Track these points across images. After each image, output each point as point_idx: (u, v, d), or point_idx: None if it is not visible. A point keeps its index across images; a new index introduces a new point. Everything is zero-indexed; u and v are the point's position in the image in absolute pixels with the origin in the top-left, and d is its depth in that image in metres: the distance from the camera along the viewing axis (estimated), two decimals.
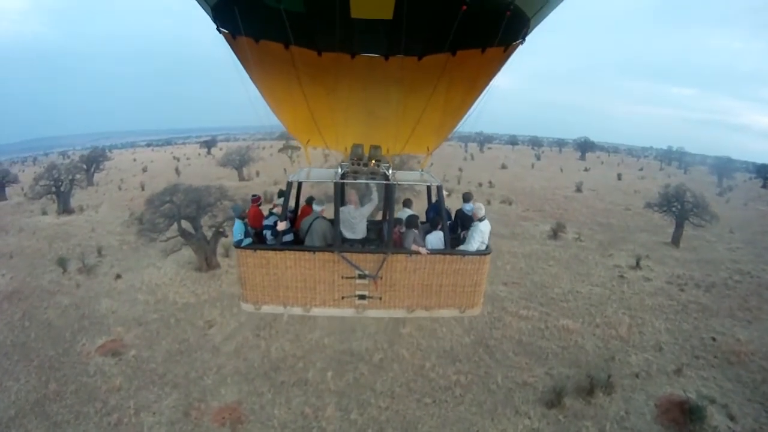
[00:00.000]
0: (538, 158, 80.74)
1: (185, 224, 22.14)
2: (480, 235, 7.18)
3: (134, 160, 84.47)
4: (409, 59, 6.56)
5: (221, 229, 22.43)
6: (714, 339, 16.50)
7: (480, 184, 46.24)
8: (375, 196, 7.86)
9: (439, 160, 65.18)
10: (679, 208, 27.37)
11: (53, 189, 36.70)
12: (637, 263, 23.29)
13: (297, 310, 7.29)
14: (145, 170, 63.47)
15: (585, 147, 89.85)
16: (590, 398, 13.14)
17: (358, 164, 7.29)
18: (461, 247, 7.27)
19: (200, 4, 6.18)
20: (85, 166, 51.80)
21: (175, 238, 21.66)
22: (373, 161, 7.33)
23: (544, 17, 6.36)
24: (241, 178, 48.43)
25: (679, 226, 27.63)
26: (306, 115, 7.45)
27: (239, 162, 48.67)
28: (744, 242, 29.41)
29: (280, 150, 62.01)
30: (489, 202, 37.31)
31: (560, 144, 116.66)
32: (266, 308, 7.33)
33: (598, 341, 16.27)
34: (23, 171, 74.71)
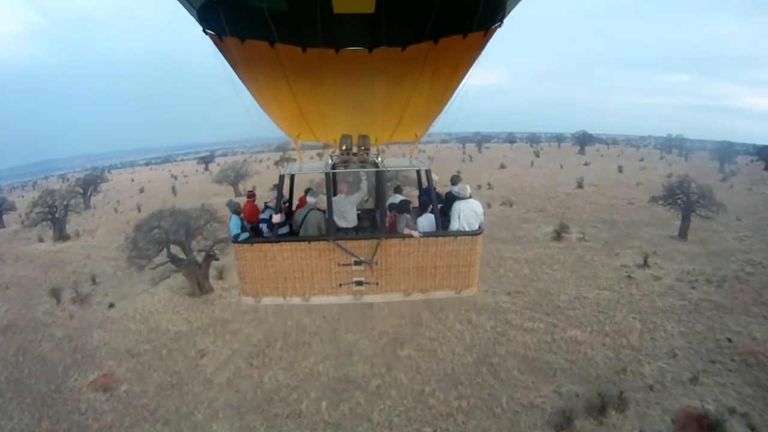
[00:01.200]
0: (537, 155, 79.36)
1: (175, 249, 21.54)
2: (458, 213, 7.33)
3: (132, 180, 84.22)
4: (392, 50, 6.76)
5: (212, 252, 21.75)
6: (730, 340, 15.64)
7: (479, 186, 45.18)
8: (363, 185, 8.11)
9: (437, 162, 64.57)
10: (685, 200, 26.48)
11: (48, 216, 36.32)
12: (645, 261, 22.38)
13: (296, 300, 7.44)
14: (142, 191, 63.07)
15: (584, 141, 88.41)
16: (602, 417, 12.28)
17: (348, 154, 7.48)
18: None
19: (185, 7, 6.31)
20: (81, 190, 51.52)
21: (165, 264, 21.02)
22: (363, 150, 7.50)
23: (520, 0, 6.50)
24: (237, 194, 47.83)
25: (685, 219, 26.73)
26: (294, 110, 7.66)
27: (234, 178, 48.02)
28: (752, 230, 28.46)
29: (276, 163, 61.50)
30: (489, 205, 36.33)
31: (559, 139, 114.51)
32: (266, 300, 7.46)
33: (608, 352, 15.39)
34: (22, 197, 74.54)
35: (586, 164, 64.45)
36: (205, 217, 22.69)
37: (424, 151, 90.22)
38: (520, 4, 6.57)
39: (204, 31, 6.48)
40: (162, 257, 21.08)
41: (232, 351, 17.02)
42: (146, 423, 13.72)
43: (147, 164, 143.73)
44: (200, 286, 21.78)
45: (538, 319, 17.53)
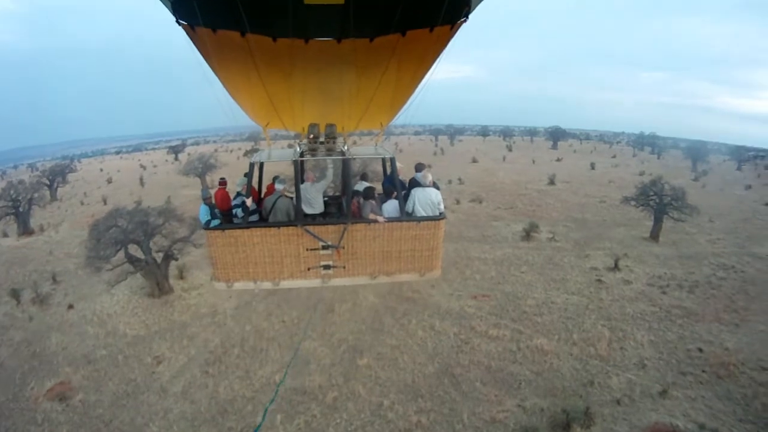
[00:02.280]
0: (510, 149, 79.33)
1: (134, 248, 20.73)
2: (414, 200, 7.59)
3: (101, 170, 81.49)
4: (360, 41, 6.98)
5: (170, 252, 20.95)
6: (701, 350, 15.56)
7: (450, 181, 44.72)
8: (329, 172, 8.32)
9: (409, 156, 63.88)
10: (658, 202, 26.46)
11: (12, 210, 34.88)
12: (616, 264, 22.23)
13: (267, 285, 7.59)
14: (110, 181, 61.03)
15: (557, 136, 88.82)
16: None
17: (315, 142, 7.70)
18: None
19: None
20: (48, 182, 49.73)
21: (123, 266, 20.15)
22: (330, 138, 7.68)
23: None
24: (205, 186, 46.62)
25: (657, 221, 26.74)
26: (264, 100, 7.76)
27: (202, 170, 46.71)
28: (725, 232, 28.68)
29: (245, 153, 60.17)
30: (458, 202, 35.97)
31: (532, 133, 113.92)
32: (237, 285, 7.58)
33: (575, 362, 15.09)
34: None
35: (558, 160, 64.55)
36: (165, 216, 21.82)
37: (397, 144, 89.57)
38: (485, 1, 6.69)
39: (177, 21, 6.52)
40: (120, 257, 20.24)
41: (188, 358, 16.45)
42: None
43: (118, 153, 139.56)
44: (159, 287, 21.02)
45: (503, 326, 17.14)
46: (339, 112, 8.01)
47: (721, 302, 18.81)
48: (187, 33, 6.66)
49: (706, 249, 25.55)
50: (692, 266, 22.73)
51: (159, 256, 21.10)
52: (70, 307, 21.02)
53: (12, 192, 35.70)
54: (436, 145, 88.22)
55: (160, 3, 6.36)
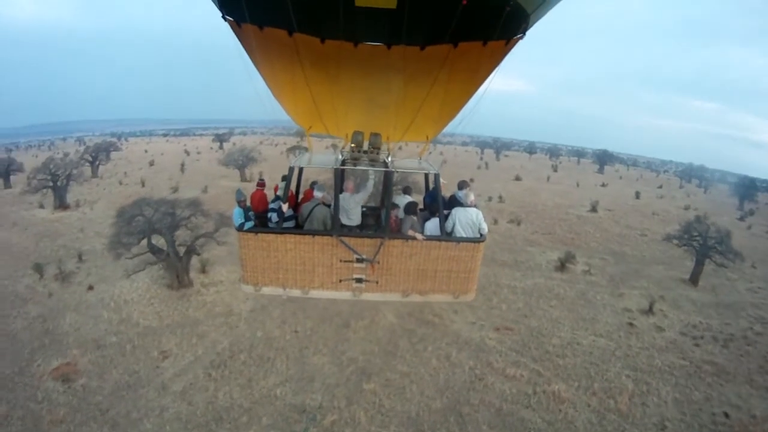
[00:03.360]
0: (555, 170, 77.17)
1: (157, 239, 20.71)
2: (454, 220, 7.33)
3: (145, 151, 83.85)
4: (411, 49, 6.67)
5: (193, 247, 20.81)
6: (727, 415, 14.16)
7: (490, 198, 43.48)
8: (370, 183, 7.93)
9: (453, 167, 62.96)
10: (701, 243, 24.67)
11: (50, 184, 35.96)
12: (650, 308, 20.69)
13: (296, 292, 7.46)
14: (152, 164, 62.56)
15: (603, 159, 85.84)
16: None
17: (358, 151, 7.54)
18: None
19: None
20: (90, 158, 51.22)
21: (144, 255, 20.14)
22: (373, 148, 7.54)
23: (544, 13, 6.43)
24: (243, 179, 47.00)
25: (699, 263, 24.92)
26: (308, 102, 7.61)
27: (242, 162, 47.13)
28: (767, 281, 26.54)
29: (289, 149, 60.38)
30: (496, 222, 34.67)
31: (579, 154, 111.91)
32: (266, 290, 7.48)
33: (591, 415, 13.87)
34: (36, 156, 74.83)
35: (603, 185, 62.21)
36: (192, 208, 21.71)
37: (442, 153, 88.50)
38: (546, 17, 6.55)
39: (223, 17, 6.38)
40: (143, 246, 20.23)
41: (194, 357, 16.19)
42: (95, 423, 13.27)
43: (165, 135, 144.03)
44: (179, 280, 20.96)
45: (522, 365, 15.98)
46: (384, 121, 7.79)
47: (755, 361, 17.21)
48: (233, 29, 6.55)
49: (746, 298, 23.69)
50: (729, 317, 21.02)
51: (182, 249, 20.98)
52: (90, 288, 21.27)
53: (51, 166, 36.72)
54: (481, 159, 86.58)
55: None
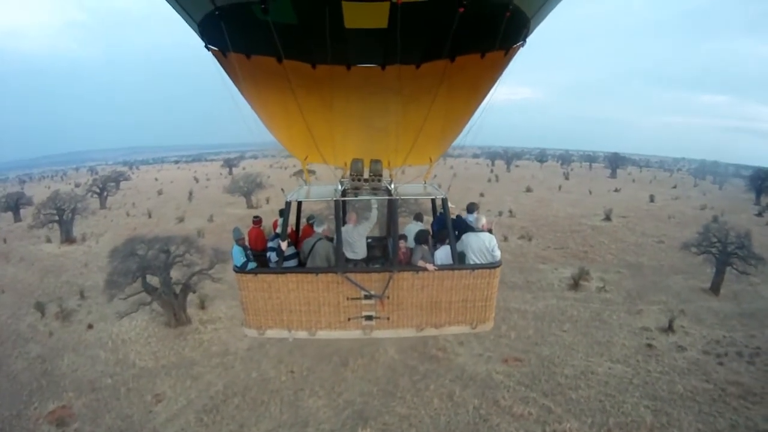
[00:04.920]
0: (567, 177, 75.90)
1: (152, 278, 20.33)
2: (467, 247, 7.04)
3: (156, 179, 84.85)
4: (406, 68, 6.43)
5: (188, 284, 20.31)
6: None
7: (500, 213, 42.38)
8: (373, 213, 7.44)
9: (462, 181, 62.14)
10: (721, 250, 23.39)
11: (56, 218, 36.16)
12: (670, 325, 19.39)
13: (302, 334, 7.13)
14: (160, 193, 63.11)
15: (615, 162, 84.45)
16: None
17: (359, 180, 7.25)
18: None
19: (187, 22, 5.96)
20: (98, 189, 51.64)
21: (139, 295, 19.72)
22: (375, 176, 7.21)
23: (544, 17, 6.24)
24: (249, 206, 46.80)
25: (719, 272, 23.59)
26: (303, 131, 7.26)
27: (247, 189, 46.91)
28: None
29: (293, 175, 60.20)
30: (506, 239, 33.57)
31: (590, 159, 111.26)
32: (270, 333, 7.15)
33: None
34: (48, 188, 75.99)
35: (616, 190, 60.85)
36: (186, 245, 21.31)
37: (452, 167, 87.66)
38: (547, 22, 6.36)
39: (206, 46, 6.14)
40: (137, 286, 19.88)
41: (187, 401, 15.59)
42: None
43: (176, 162, 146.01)
44: (176, 317, 20.47)
45: (531, 401, 14.76)
46: (384, 146, 7.39)
47: None
48: (218, 59, 6.28)
49: None
50: (754, 327, 19.68)
51: (178, 287, 20.57)
52: (90, 327, 21.01)
53: (57, 201, 36.94)
54: (492, 171, 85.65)
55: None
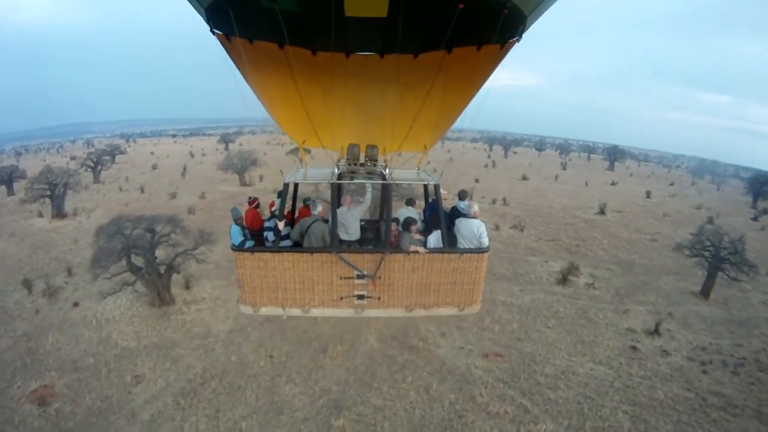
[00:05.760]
0: (564, 167, 75.16)
1: (136, 258, 20.11)
2: (457, 231, 7.38)
3: (152, 153, 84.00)
4: (404, 57, 6.64)
5: (173, 264, 20.13)
6: None
7: (494, 201, 41.97)
8: (368, 196, 7.82)
9: (459, 166, 61.74)
10: (713, 254, 23.09)
11: (47, 193, 35.86)
12: (656, 328, 19.18)
13: (296, 311, 7.34)
14: (154, 167, 62.58)
15: (614, 155, 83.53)
16: None
17: (355, 164, 7.44)
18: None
19: (193, 6, 6.15)
20: (92, 164, 51.20)
21: (123, 274, 19.57)
22: (370, 160, 7.42)
23: (541, 14, 6.44)
24: (243, 183, 46.45)
25: (710, 276, 23.33)
26: (301, 115, 7.55)
27: (241, 167, 46.45)
28: None
29: (288, 152, 59.64)
30: (497, 228, 33.28)
31: (589, 150, 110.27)
32: (264, 310, 7.35)
33: None
34: (44, 160, 75.62)
35: (613, 184, 60.30)
36: (172, 225, 21.12)
37: (449, 151, 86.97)
38: (553, 11, 6.48)
39: (211, 30, 6.37)
40: (122, 265, 19.69)
41: (166, 383, 15.55)
42: None
43: (173, 136, 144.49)
44: (160, 297, 20.34)
45: (509, 400, 14.56)
46: (380, 132, 7.68)
47: (766, 391, 15.66)
48: (222, 43, 6.52)
49: (760, 313, 22.00)
50: (741, 336, 19.44)
51: (162, 267, 20.42)
52: (75, 304, 20.90)
53: (48, 176, 36.57)
54: (489, 156, 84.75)
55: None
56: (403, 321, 18.87)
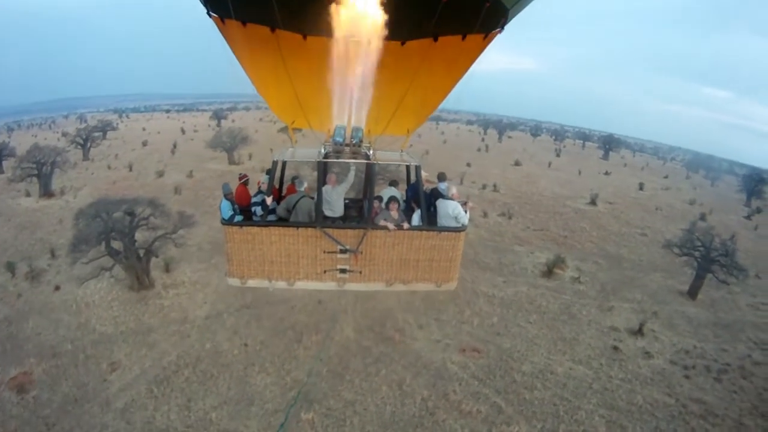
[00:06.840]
0: (558, 154, 74.15)
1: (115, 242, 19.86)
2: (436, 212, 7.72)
3: (144, 129, 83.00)
4: (392, 44, 6.79)
5: (152, 248, 19.85)
6: None
7: (484, 186, 41.38)
8: (351, 175, 8.05)
9: (452, 149, 61.15)
10: (704, 255, 22.61)
11: (35, 172, 35.35)
12: (640, 328, 18.86)
13: (281, 284, 7.63)
14: (144, 144, 61.82)
15: (609, 144, 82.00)
16: None
17: (341, 144, 7.65)
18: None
19: None
20: (81, 141, 50.47)
21: (102, 259, 19.26)
22: (355, 142, 7.67)
23: (523, 8, 6.88)
24: (231, 162, 45.90)
25: (699, 277, 22.93)
26: (291, 97, 7.98)
27: (230, 145, 45.79)
28: None
29: (279, 130, 59.02)
30: (486, 215, 32.80)
31: (585, 137, 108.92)
32: (251, 282, 7.64)
33: None
34: (35, 136, 74.52)
35: (606, 173, 59.54)
36: (152, 208, 20.79)
37: (443, 133, 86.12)
38: (550, 0, 6.16)
39: (208, 13, 6.76)
40: (102, 249, 19.47)
41: (141, 370, 15.50)
42: None
43: (167, 111, 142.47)
44: (139, 281, 20.16)
45: (483, 398, 14.31)
46: (366, 115, 7.77)
47: (748, 400, 15.32)
48: (217, 25, 6.89)
49: (747, 317, 21.66)
50: (727, 340, 19.11)
51: (142, 251, 20.14)
52: (57, 288, 20.72)
53: (36, 154, 36.00)
54: (483, 140, 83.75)
55: None
56: (380, 311, 18.84)
